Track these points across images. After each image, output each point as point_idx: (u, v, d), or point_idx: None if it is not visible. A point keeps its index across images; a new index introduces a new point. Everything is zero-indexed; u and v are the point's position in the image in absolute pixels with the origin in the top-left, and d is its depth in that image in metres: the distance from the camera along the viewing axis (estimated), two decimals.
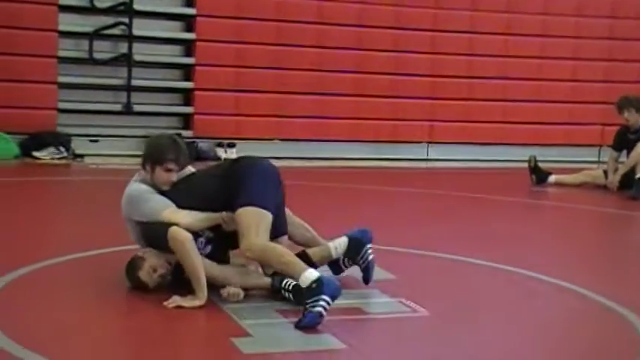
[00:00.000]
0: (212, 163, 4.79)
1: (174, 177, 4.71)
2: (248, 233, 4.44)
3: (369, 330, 4.33)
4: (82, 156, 10.81)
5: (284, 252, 4.45)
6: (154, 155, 4.68)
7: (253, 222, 4.46)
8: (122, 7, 11.24)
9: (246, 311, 4.35)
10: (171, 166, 4.67)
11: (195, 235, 4.56)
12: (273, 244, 4.49)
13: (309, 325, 4.12)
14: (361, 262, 4.85)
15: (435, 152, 12.61)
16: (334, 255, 4.88)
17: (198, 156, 10.87)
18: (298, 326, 4.14)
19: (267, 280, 4.65)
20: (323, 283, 4.21)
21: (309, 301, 4.18)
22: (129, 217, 4.74)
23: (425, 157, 12.55)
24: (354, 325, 4.32)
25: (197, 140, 11.24)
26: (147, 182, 4.73)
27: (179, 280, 4.59)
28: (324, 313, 4.14)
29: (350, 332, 4.18)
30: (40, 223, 6.89)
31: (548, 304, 4.99)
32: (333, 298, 4.19)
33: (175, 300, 4.40)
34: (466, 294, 5.05)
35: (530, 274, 5.48)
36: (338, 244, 4.88)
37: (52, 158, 10.50)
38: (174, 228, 4.44)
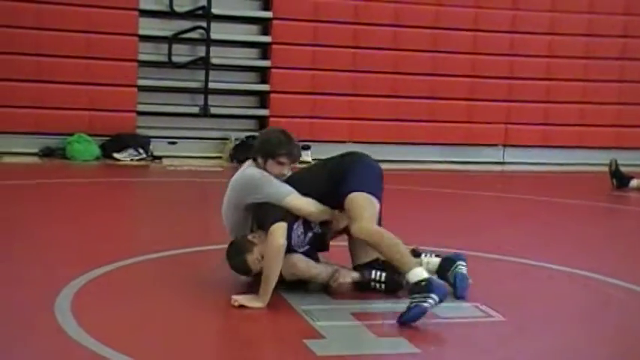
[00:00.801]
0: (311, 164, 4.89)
1: (286, 170, 4.74)
2: (361, 216, 4.47)
3: (444, 334, 4.29)
4: (160, 157, 11.01)
5: (398, 241, 4.45)
6: (267, 148, 4.70)
7: (366, 206, 4.50)
8: (200, 12, 11.41)
9: (320, 313, 4.37)
10: (284, 159, 4.70)
11: (308, 227, 4.67)
12: (386, 231, 4.48)
13: (413, 318, 4.17)
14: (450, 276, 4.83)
15: (511, 155, 12.44)
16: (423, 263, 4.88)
17: None
18: (401, 320, 4.18)
19: (355, 275, 4.73)
20: (432, 283, 4.27)
21: (417, 296, 4.22)
22: (240, 201, 4.69)
23: (501, 160, 12.39)
24: (429, 329, 4.29)
25: None
26: None
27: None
28: (429, 310, 4.20)
29: (424, 336, 4.16)
30: (118, 223, 7.05)
31: (625, 311, 4.88)
32: (441, 300, 4.25)
33: (238, 299, 4.44)
34: (542, 299, 4.97)
35: (608, 280, 5.36)
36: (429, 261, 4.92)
37: (132, 160, 10.72)
38: (278, 226, 4.46)
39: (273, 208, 4.57)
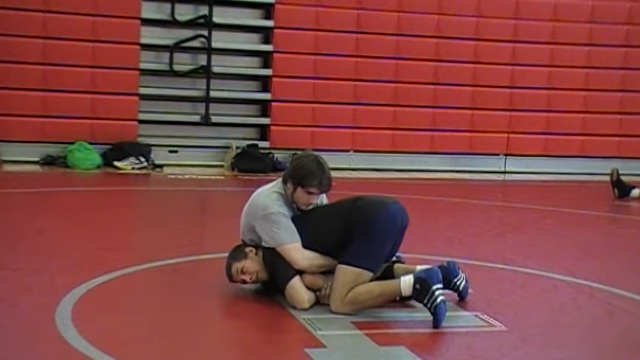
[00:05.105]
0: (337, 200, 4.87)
1: (314, 200, 4.72)
2: (339, 294, 4.49)
3: (445, 344, 4.28)
4: (161, 166, 11.00)
5: (368, 290, 4.48)
6: (299, 176, 4.66)
7: (347, 284, 4.48)
8: (202, 20, 11.43)
9: (321, 322, 4.36)
10: (314, 190, 4.67)
11: None
12: (352, 294, 4.47)
13: (443, 317, 4.33)
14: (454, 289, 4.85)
15: (512, 165, 12.44)
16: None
17: (274, 167, 10.98)
18: (436, 325, 4.30)
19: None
20: (422, 278, 4.37)
21: (425, 300, 4.35)
22: (249, 222, 4.74)
23: (502, 169, 12.39)
24: (430, 338, 4.28)
25: (273, 151, 11.34)
26: (285, 196, 4.71)
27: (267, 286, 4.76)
28: (444, 298, 4.35)
29: (425, 346, 4.15)
30: (119, 232, 7.03)
31: (629, 321, 4.85)
32: (440, 281, 4.37)
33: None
34: (544, 309, 4.94)
35: (611, 290, 5.34)
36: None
37: (133, 168, 10.71)
38: (295, 287, 4.53)
39: (280, 259, 4.58)
